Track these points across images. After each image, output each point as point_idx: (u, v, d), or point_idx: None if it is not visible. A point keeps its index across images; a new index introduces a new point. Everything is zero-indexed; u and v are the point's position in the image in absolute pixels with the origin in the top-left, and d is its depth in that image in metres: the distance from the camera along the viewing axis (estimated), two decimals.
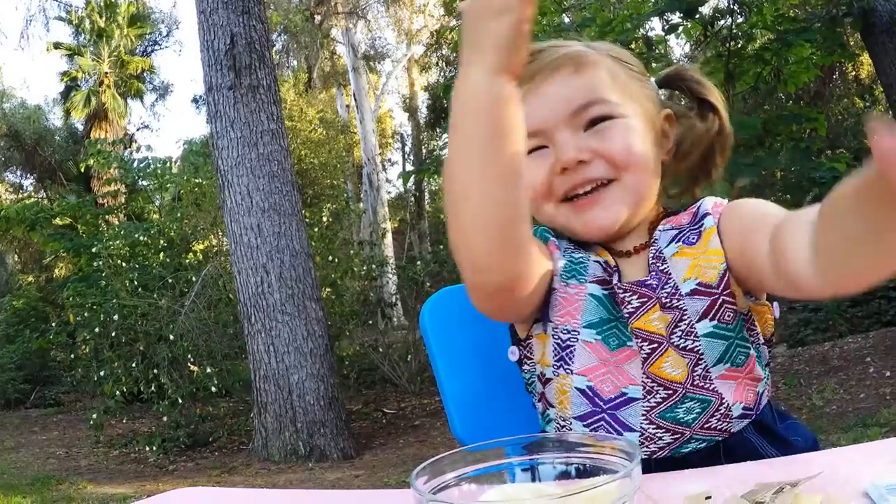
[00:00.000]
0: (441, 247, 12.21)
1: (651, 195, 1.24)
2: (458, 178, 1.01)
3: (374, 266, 11.36)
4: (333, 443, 7.76)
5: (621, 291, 1.17)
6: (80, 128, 23.56)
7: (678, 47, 14.65)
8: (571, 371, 1.19)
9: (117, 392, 8.80)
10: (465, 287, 1.10)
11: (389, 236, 18.68)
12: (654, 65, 8.52)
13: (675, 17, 8.17)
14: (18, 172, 24.59)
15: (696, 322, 1.14)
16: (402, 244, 21.95)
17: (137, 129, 25.94)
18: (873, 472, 0.86)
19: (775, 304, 1.23)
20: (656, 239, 1.23)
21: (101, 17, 22.90)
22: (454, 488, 0.86)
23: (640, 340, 1.16)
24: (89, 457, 8.85)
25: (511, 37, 0.93)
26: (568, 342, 1.19)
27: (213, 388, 8.90)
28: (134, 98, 24.93)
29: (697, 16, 7.83)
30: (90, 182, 20.92)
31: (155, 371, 8.93)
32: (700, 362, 1.15)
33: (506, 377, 1.31)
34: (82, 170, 20.25)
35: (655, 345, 1.15)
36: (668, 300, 1.16)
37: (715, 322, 1.15)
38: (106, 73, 22.97)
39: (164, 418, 8.80)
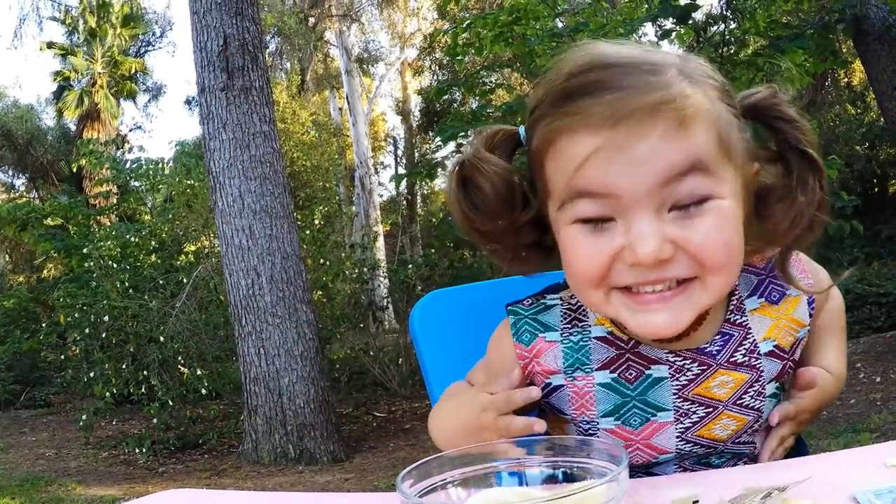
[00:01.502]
0: (432, 250, 12.23)
1: (730, 288, 1.04)
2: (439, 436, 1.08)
3: (365, 269, 11.34)
4: (323, 446, 7.75)
5: (679, 360, 1.09)
6: (73, 128, 23.54)
7: None
8: None
9: (107, 393, 8.77)
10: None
11: (381, 239, 18.68)
12: None
13: (669, 23, 8.18)
14: (10, 172, 24.56)
15: (767, 383, 1.11)
16: (393, 247, 21.91)
17: (130, 130, 25.95)
18: (861, 477, 0.86)
19: None
20: (736, 286, 1.12)
21: (94, 17, 22.85)
22: (441, 492, 0.85)
23: (697, 406, 1.09)
24: (79, 458, 8.82)
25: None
26: (590, 431, 1.13)
27: (204, 391, 8.88)
28: (126, 99, 24.90)
29: (690, 21, 7.84)
30: (82, 182, 20.90)
31: (145, 372, 8.90)
32: (759, 419, 1.13)
33: None
34: (74, 170, 20.21)
35: (710, 409, 1.09)
36: (744, 358, 1.10)
37: (778, 384, 1.13)
38: (99, 73, 22.93)
39: (154, 420, 8.77)
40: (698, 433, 1.10)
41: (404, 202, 24.94)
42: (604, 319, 1.12)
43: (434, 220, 22.50)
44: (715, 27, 8.48)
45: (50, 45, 23.47)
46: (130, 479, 7.62)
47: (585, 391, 1.11)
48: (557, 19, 9.14)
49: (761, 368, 1.10)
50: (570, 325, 1.14)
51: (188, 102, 25.67)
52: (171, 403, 8.78)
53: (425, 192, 24.92)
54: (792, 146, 1.01)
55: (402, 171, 25.85)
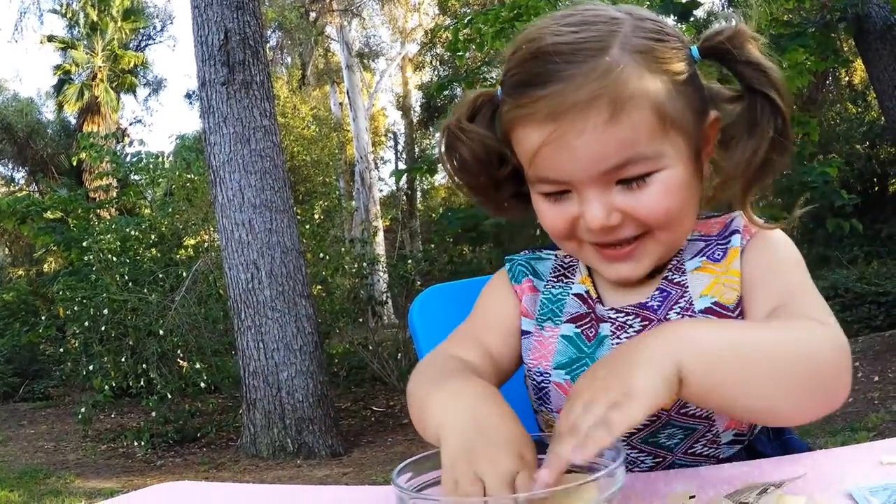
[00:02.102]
0: (432, 245, 12.21)
1: (685, 236, 1.14)
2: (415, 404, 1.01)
3: (364, 264, 11.34)
4: (322, 440, 7.76)
5: (621, 316, 1.14)
6: (73, 121, 23.51)
7: None
8: (551, 409, 1.18)
9: (106, 386, 8.77)
10: None
11: (381, 234, 18.66)
12: None
13: (670, 21, 8.17)
14: (10, 165, 24.55)
15: None
16: (393, 242, 21.89)
17: (130, 124, 25.94)
18: (857, 474, 0.86)
19: None
20: (682, 250, 1.16)
21: (95, 10, 22.82)
22: (436, 487, 0.86)
23: None
24: (77, 451, 8.83)
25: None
26: (542, 384, 1.18)
27: (202, 384, 8.88)
28: (127, 92, 24.88)
29: (691, 19, 7.85)
30: (82, 176, 20.88)
31: (144, 366, 8.90)
32: None
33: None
34: (74, 163, 20.22)
35: None
36: (678, 316, 1.10)
37: None
38: (99, 66, 22.90)
39: (153, 413, 8.78)
40: None
41: (404, 197, 24.93)
42: (587, 279, 1.20)
43: (434, 215, 22.45)
44: (716, 24, 8.48)
45: (50, 39, 23.46)
46: (129, 472, 7.62)
47: (548, 341, 1.17)
48: None
49: None
50: (556, 279, 1.23)
51: (188, 96, 25.73)
52: (169, 397, 8.79)
53: (425, 187, 24.89)
54: (753, 88, 1.06)
55: (402, 166, 25.85)
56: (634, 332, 1.12)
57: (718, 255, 1.14)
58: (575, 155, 0.99)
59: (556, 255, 1.26)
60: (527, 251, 1.29)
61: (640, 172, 1.00)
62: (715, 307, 1.10)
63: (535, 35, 1.04)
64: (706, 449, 1.11)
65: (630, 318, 1.13)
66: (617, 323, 1.14)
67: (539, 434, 0.90)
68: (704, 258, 1.14)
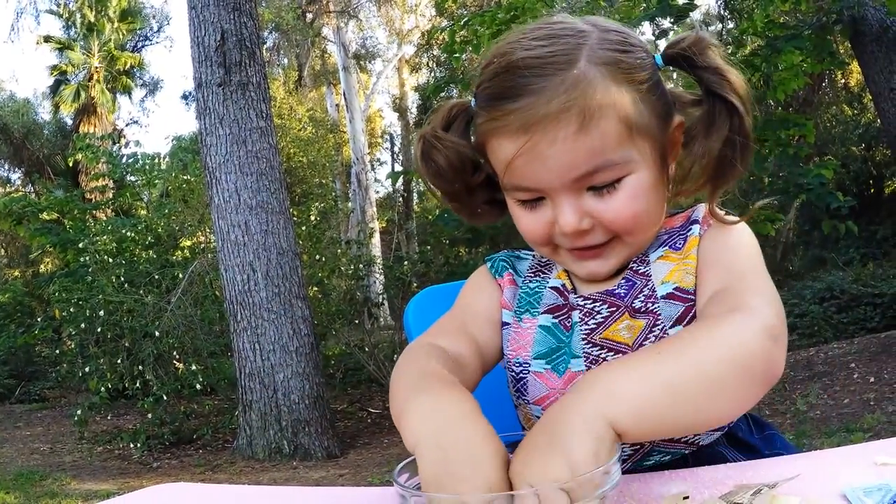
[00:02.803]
0: (428, 247, 12.21)
1: (653, 237, 1.20)
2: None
3: (361, 265, 11.35)
4: (318, 442, 7.76)
5: (589, 303, 1.18)
6: (69, 122, 23.49)
7: None
8: (528, 401, 1.20)
9: (102, 388, 8.76)
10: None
11: (377, 236, 18.66)
12: None
13: (666, 23, 8.18)
14: (6, 166, 24.51)
15: (670, 328, 1.11)
16: (389, 244, 21.92)
17: (126, 125, 25.94)
18: (851, 474, 0.86)
19: None
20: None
21: (92, 11, 22.80)
22: None
23: (605, 351, 1.14)
24: (73, 453, 8.82)
25: None
26: (521, 374, 1.20)
27: (199, 386, 8.87)
28: (123, 93, 24.87)
29: (688, 21, 7.85)
30: (78, 177, 20.86)
31: (140, 368, 8.90)
32: None
33: (488, 377, 1.32)
34: (70, 164, 20.19)
35: (621, 355, 1.12)
36: (642, 304, 1.14)
37: (682, 327, 1.11)
38: (96, 67, 22.89)
39: (149, 415, 8.78)
40: None
41: (400, 199, 24.94)
42: (563, 274, 1.25)
43: (430, 217, 22.45)
44: (713, 27, 8.48)
45: (47, 39, 23.43)
46: (125, 474, 7.62)
47: (527, 333, 1.21)
48: None
49: (658, 312, 1.12)
50: (533, 275, 1.28)
51: (185, 97, 25.67)
52: (165, 398, 8.77)
53: (421, 189, 24.88)
54: (712, 91, 1.10)
55: (398, 167, 25.86)
56: (602, 318, 1.15)
57: (679, 244, 1.17)
58: (547, 164, 1.05)
59: (533, 256, 1.31)
60: (506, 251, 1.34)
61: (610, 179, 1.06)
62: (676, 292, 1.12)
63: (506, 49, 1.09)
64: (684, 436, 1.12)
65: (598, 304, 1.17)
66: (585, 310, 1.18)
67: (523, 433, 0.90)
68: (667, 248, 1.18)
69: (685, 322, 1.11)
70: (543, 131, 1.03)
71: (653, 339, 1.12)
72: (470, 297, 1.31)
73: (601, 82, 1.04)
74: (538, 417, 1.13)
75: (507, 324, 1.24)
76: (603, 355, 1.13)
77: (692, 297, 1.12)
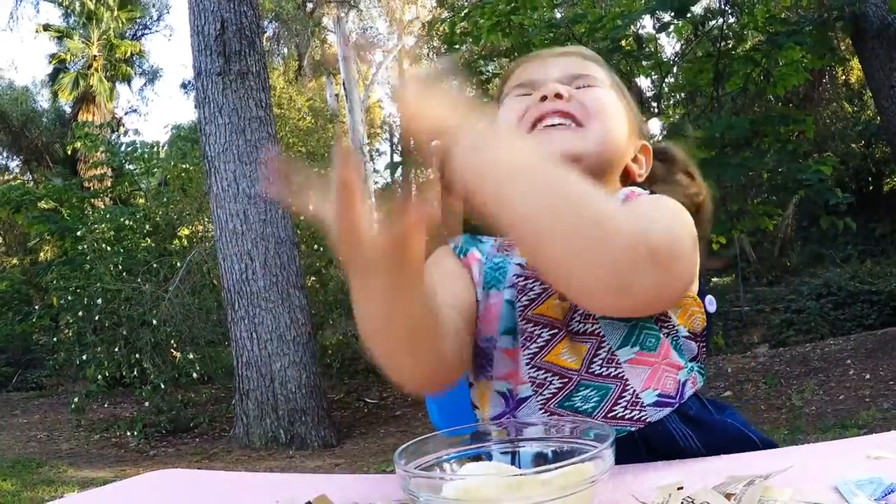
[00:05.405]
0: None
1: (612, 169, 1.27)
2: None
3: None
4: (314, 431, 7.76)
5: (529, 281, 1.18)
6: (68, 110, 23.40)
7: (669, 46, 14.67)
8: (493, 377, 1.20)
9: (99, 376, 8.76)
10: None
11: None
12: (644, 63, 8.54)
13: (667, 16, 8.18)
14: (5, 154, 24.44)
15: None
16: None
17: (125, 113, 25.84)
18: (844, 467, 0.87)
19: (709, 297, 1.18)
20: None
21: None
22: (436, 468, 0.87)
23: (540, 327, 1.15)
24: (70, 441, 8.83)
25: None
26: (487, 350, 1.20)
27: (196, 374, 8.89)
28: (122, 82, 24.77)
29: (689, 15, 7.84)
30: (76, 165, 20.80)
31: (137, 356, 8.90)
32: (603, 345, 1.12)
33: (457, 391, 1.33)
34: (69, 153, 20.13)
35: (555, 331, 1.14)
36: None
37: None
38: (95, 56, 22.81)
39: (146, 403, 8.79)
40: (546, 358, 1.14)
41: (399, 189, 24.87)
42: None
43: None
44: (713, 21, 8.48)
45: (46, 28, 23.35)
46: (121, 462, 7.63)
47: (493, 307, 1.20)
48: (555, 9, 9.13)
49: None
50: (497, 252, 1.28)
51: (184, 86, 25.56)
52: (162, 387, 8.77)
53: (421, 180, 24.88)
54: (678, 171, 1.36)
55: (397, 158, 25.82)
56: (535, 294, 1.16)
57: None
58: (546, 67, 1.31)
59: (495, 239, 1.31)
60: (466, 234, 1.31)
61: (593, 84, 1.28)
62: None
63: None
64: (628, 412, 1.09)
65: (530, 282, 1.18)
66: (519, 286, 1.19)
67: (518, 421, 0.91)
68: None
69: None
70: (550, 55, 1.35)
71: (578, 317, 1.14)
72: (439, 262, 1.25)
73: (608, 75, 1.34)
74: (500, 393, 1.18)
75: (478, 301, 1.21)
76: (538, 332, 1.15)
77: None
